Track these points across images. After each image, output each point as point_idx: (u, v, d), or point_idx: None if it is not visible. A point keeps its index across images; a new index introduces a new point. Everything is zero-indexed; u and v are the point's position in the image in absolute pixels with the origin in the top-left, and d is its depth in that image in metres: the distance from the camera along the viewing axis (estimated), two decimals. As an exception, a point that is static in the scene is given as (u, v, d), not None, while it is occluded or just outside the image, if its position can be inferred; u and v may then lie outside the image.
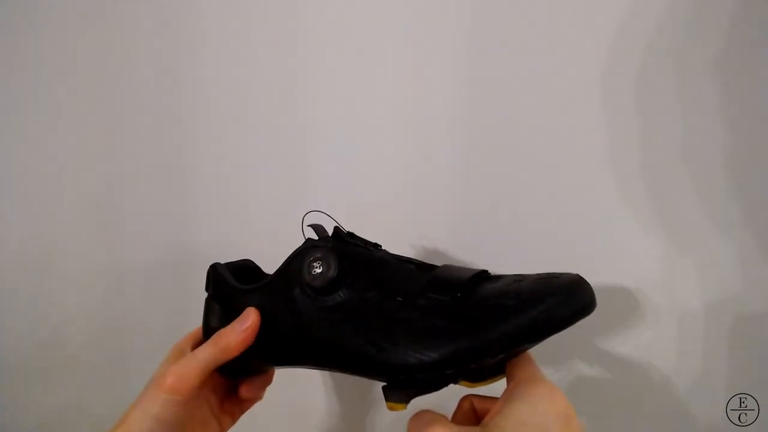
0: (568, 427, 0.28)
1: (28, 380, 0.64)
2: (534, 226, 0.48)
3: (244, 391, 0.42)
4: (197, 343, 0.41)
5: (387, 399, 0.34)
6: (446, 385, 0.34)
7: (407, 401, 0.33)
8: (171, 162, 0.59)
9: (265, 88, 0.55)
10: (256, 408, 0.44)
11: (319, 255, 0.36)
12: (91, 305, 0.62)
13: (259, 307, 0.38)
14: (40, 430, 0.64)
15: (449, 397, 0.35)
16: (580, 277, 0.32)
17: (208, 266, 0.42)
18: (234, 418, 0.43)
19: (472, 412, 0.34)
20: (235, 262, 0.44)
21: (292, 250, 0.38)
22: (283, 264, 0.38)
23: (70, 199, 0.62)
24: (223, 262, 0.43)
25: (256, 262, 0.45)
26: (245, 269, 0.43)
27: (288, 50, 0.54)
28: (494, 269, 0.48)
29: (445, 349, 0.31)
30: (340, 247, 0.37)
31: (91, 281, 0.62)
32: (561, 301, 0.31)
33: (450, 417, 0.34)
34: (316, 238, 0.38)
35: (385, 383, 0.34)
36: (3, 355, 0.64)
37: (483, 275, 0.35)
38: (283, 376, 0.44)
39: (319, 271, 0.36)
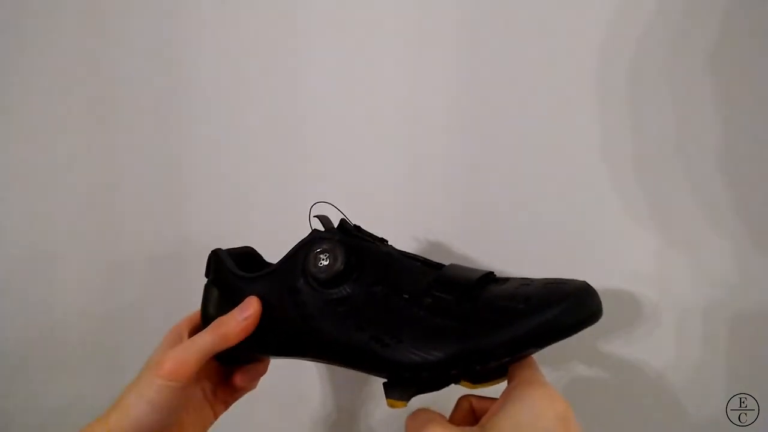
0: (566, 430, 0.28)
1: (26, 374, 0.63)
2: (529, 223, 0.48)
3: (239, 379, 0.42)
4: (194, 328, 0.40)
5: (387, 396, 0.34)
6: (448, 384, 0.34)
7: (408, 399, 0.33)
8: (169, 153, 0.58)
9: (264, 79, 0.54)
10: (251, 396, 0.44)
11: (326, 247, 0.36)
12: (89, 298, 0.61)
13: (260, 296, 0.37)
14: (39, 424, 0.63)
15: (448, 396, 0.35)
16: (588, 284, 0.33)
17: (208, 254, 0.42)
18: (227, 405, 0.42)
19: (470, 412, 0.34)
20: (237, 249, 0.43)
21: (292, 242, 0.37)
22: (287, 254, 0.38)
23: (67, 193, 0.61)
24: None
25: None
26: (247, 257, 0.43)
27: (287, 39, 0.53)
28: (489, 264, 0.48)
29: (451, 350, 0.31)
30: (347, 240, 0.36)
31: (89, 274, 0.61)
32: (569, 308, 0.31)
33: (448, 416, 0.34)
34: (322, 229, 0.38)
35: (386, 380, 0.34)
36: (1, 349, 0.63)
37: (489, 277, 0.35)
38: (280, 365, 0.44)
39: (325, 263, 0.35)
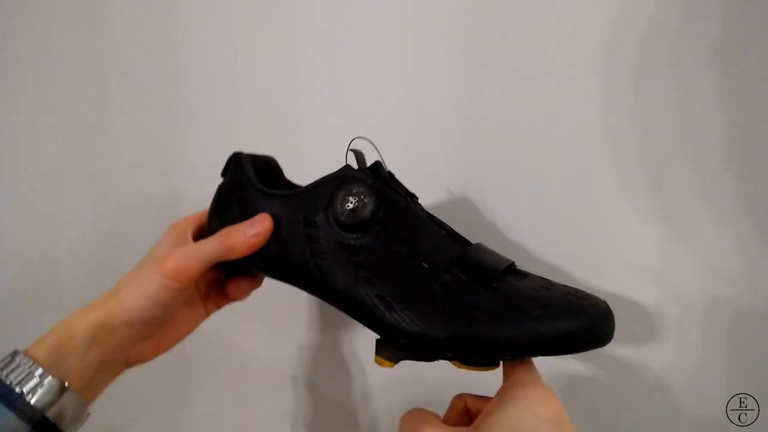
0: None
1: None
2: (533, 218, 0.47)
3: (232, 290, 0.41)
4: (199, 228, 0.39)
5: (377, 353, 0.33)
6: (437, 359, 0.34)
7: (397, 361, 0.33)
8: (168, 146, 0.54)
9: (262, 70, 0.51)
10: (240, 311, 0.44)
11: (357, 190, 0.34)
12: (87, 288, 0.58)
13: (275, 215, 0.36)
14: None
15: (442, 395, 0.36)
16: (608, 307, 0.32)
17: None
18: (218, 306, 0.42)
19: (464, 412, 0.34)
20: (260, 156, 0.41)
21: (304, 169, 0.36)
22: (313, 183, 0.36)
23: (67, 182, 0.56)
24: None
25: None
26: (267, 167, 0.41)
27: (287, 31, 0.50)
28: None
29: (456, 333, 0.31)
30: (380, 188, 0.34)
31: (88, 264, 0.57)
32: (585, 327, 0.30)
33: (442, 415, 0.34)
34: (355, 167, 0.36)
35: (379, 338, 0.34)
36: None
37: (511, 267, 0.34)
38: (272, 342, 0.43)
39: (351, 206, 0.33)
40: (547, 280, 0.34)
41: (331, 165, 0.36)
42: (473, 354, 0.31)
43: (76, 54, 0.53)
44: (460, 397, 0.35)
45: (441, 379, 0.34)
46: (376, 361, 0.34)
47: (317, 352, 0.55)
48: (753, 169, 0.42)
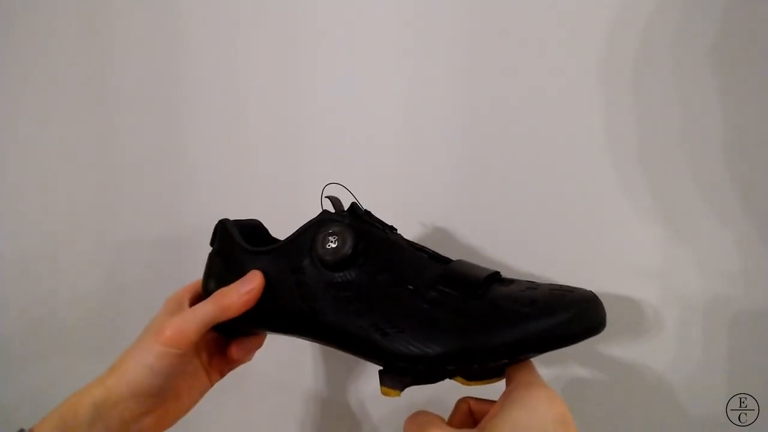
0: None
1: (24, 360, 0.63)
2: (531, 218, 0.48)
3: (234, 351, 0.42)
4: (195, 296, 0.40)
5: (382, 383, 0.34)
6: (443, 379, 0.34)
7: (402, 388, 0.33)
8: (169, 145, 0.57)
9: (261, 72, 0.54)
10: (244, 371, 0.44)
11: (335, 229, 0.35)
12: (90, 285, 0.61)
13: (263, 271, 0.37)
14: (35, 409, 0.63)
15: (447, 397, 0.35)
16: (595, 295, 0.32)
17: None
18: (222, 374, 0.43)
19: (469, 414, 0.34)
20: (244, 220, 0.43)
21: (292, 229, 0.37)
22: (295, 232, 0.38)
23: (69, 185, 0.60)
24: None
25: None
26: (253, 229, 0.43)
27: (288, 32, 0.53)
28: (491, 258, 0.48)
29: (451, 345, 0.31)
30: (357, 225, 0.36)
31: (93, 257, 0.60)
32: (574, 317, 0.31)
33: (447, 417, 0.34)
34: (332, 211, 0.38)
35: (382, 368, 0.34)
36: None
37: (495, 276, 0.35)
38: (273, 344, 0.44)
39: (333, 246, 0.35)
40: (533, 281, 0.35)
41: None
42: (472, 364, 0.31)
43: (75, 54, 0.55)
44: (464, 400, 0.35)
45: (445, 383, 0.34)
46: (383, 392, 0.34)
47: (319, 355, 0.54)
48: (753, 169, 0.42)
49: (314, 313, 0.35)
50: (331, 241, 0.35)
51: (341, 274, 0.35)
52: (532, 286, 0.34)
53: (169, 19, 0.55)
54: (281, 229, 0.42)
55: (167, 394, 0.36)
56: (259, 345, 0.44)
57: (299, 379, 0.55)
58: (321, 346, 0.54)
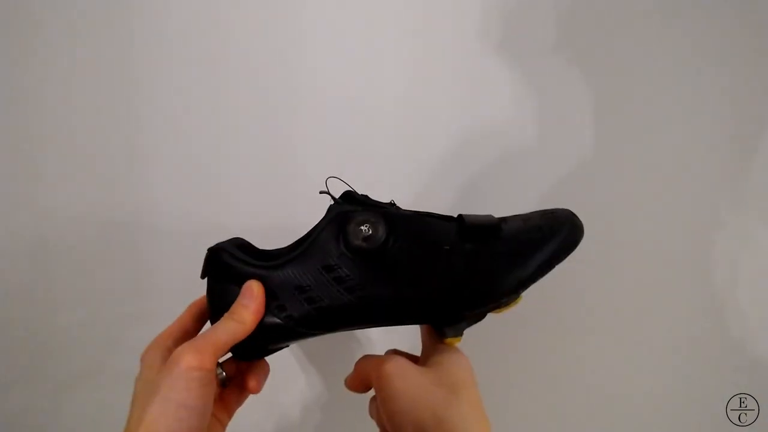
0: (472, 376, 0.37)
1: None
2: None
3: (252, 380, 0.40)
4: (179, 336, 0.38)
5: (446, 336, 0.38)
6: (484, 317, 0.40)
7: (462, 333, 0.39)
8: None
9: (257, 68, 0.50)
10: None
11: (363, 218, 0.37)
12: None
13: (293, 281, 0.37)
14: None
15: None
16: (569, 210, 0.42)
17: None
18: (231, 416, 0.41)
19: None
20: (229, 241, 0.40)
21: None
22: (311, 233, 0.38)
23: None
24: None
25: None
26: (241, 248, 0.40)
27: (279, 18, 0.50)
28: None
29: (507, 283, 0.37)
30: (380, 209, 0.38)
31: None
32: (571, 227, 0.40)
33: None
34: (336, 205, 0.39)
35: (439, 325, 0.39)
36: None
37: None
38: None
39: (368, 233, 0.37)
40: (518, 214, 0.43)
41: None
42: (525, 288, 0.38)
43: (75, 54, 0.51)
44: (395, 351, 0.42)
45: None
46: (448, 343, 0.38)
47: (319, 354, 0.55)
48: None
49: (366, 299, 0.37)
50: (364, 230, 0.37)
51: (383, 255, 0.37)
52: (525, 218, 0.41)
53: (168, 20, 0.50)
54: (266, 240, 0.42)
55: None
56: (266, 373, 0.42)
57: (299, 379, 0.55)
58: (321, 347, 0.55)
